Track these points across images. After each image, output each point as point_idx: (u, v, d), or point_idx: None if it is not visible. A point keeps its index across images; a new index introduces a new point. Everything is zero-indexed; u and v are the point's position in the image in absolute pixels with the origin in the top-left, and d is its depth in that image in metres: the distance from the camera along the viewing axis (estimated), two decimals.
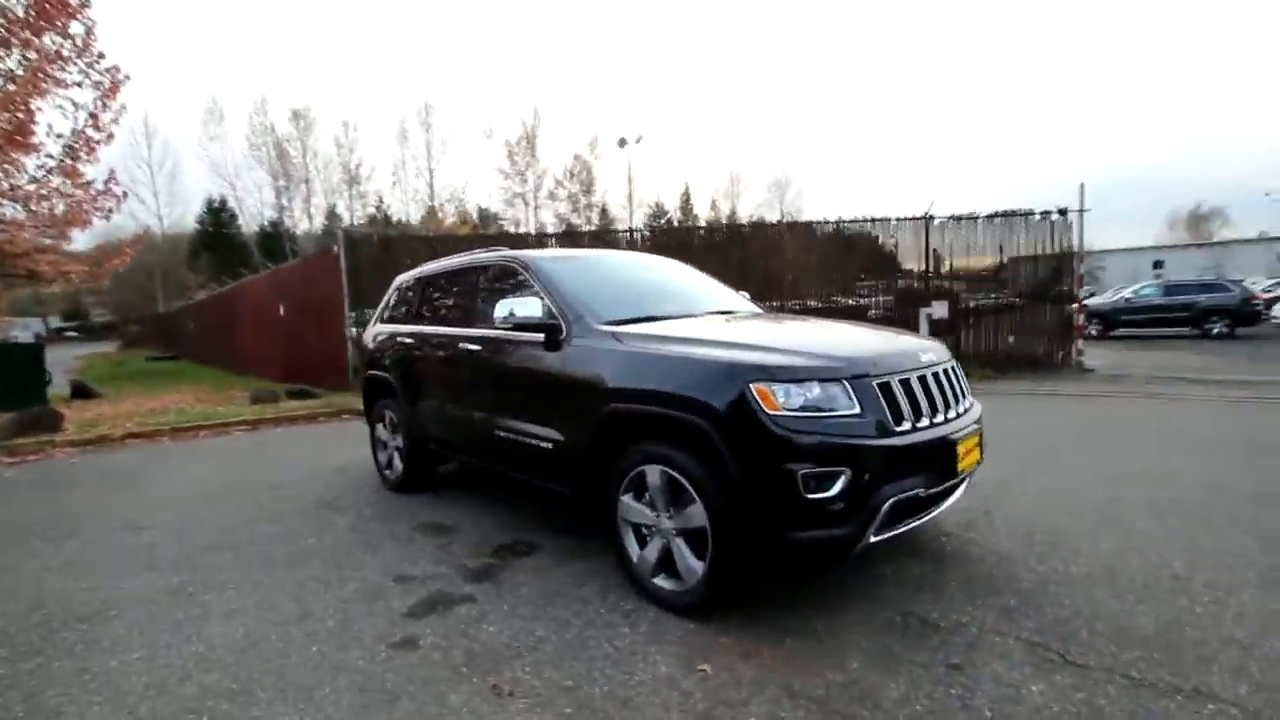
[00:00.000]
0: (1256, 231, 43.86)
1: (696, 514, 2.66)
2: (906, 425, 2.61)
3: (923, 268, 12.06)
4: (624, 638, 2.63)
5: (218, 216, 43.17)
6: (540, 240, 13.97)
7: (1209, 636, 2.44)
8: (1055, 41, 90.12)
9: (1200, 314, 16.79)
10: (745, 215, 40.24)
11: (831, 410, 2.50)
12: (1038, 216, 11.71)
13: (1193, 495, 4.07)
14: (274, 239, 37.22)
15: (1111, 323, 18.29)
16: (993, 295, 12.03)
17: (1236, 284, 17.50)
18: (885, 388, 2.61)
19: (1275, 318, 18.01)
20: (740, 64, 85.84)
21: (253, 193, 39.72)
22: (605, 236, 15.50)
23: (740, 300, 4.37)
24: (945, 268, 12.13)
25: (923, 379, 2.78)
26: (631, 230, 15.22)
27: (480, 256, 4.31)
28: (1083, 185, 11.44)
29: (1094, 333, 17.45)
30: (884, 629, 2.63)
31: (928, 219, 11.88)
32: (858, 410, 2.52)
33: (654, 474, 2.81)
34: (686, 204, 46.76)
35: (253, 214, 40.61)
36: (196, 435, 8.00)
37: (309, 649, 2.64)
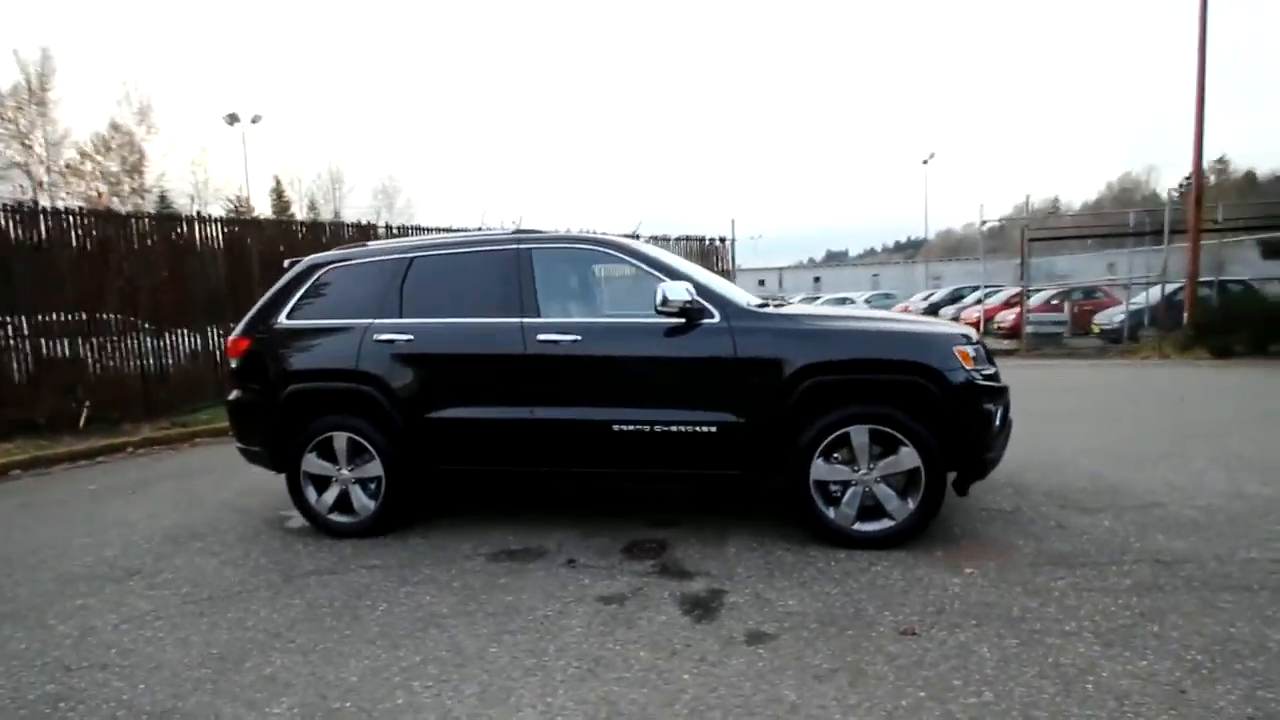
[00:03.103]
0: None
1: (907, 458, 3.22)
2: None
3: None
4: (888, 574, 3.01)
5: None
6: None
7: (1137, 485, 4.22)
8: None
9: None
10: (351, 218, 36.99)
11: (987, 365, 3.42)
12: (708, 241, 14.80)
13: None
14: None
15: None
16: None
17: (781, 299, 25.04)
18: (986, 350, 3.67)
19: None
20: (346, 59, 77.62)
21: None
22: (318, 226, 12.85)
23: None
24: None
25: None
26: (309, 222, 12.96)
27: (527, 236, 3.76)
28: (733, 220, 14.96)
29: None
30: (996, 518, 3.65)
31: (635, 236, 13.75)
32: (988, 364, 3.50)
33: (860, 433, 3.24)
34: (280, 199, 40.48)
35: None
36: None
37: (680, 676, 2.26)
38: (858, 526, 3.31)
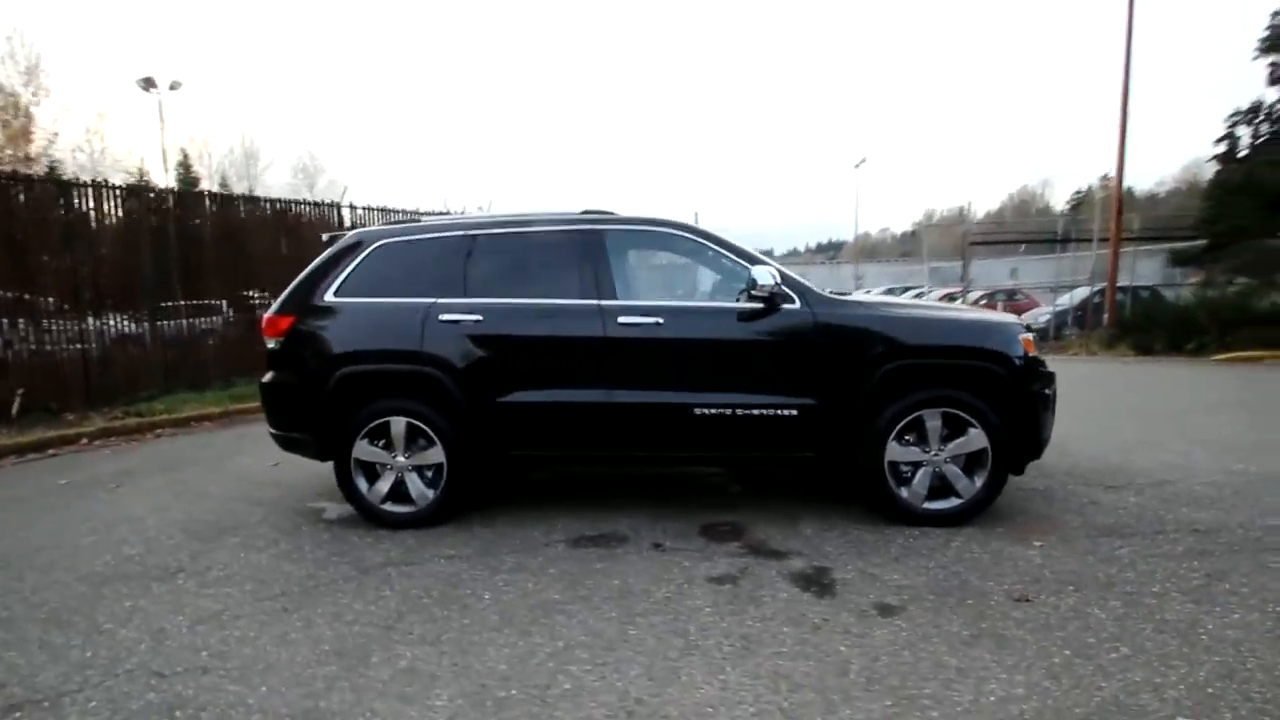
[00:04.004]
0: None
1: (976, 439, 3.41)
2: None
3: None
4: (969, 549, 3.18)
5: None
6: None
7: (1139, 466, 4.61)
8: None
9: None
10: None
11: (1040, 350, 3.66)
12: None
13: None
14: None
15: None
16: None
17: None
18: None
19: None
20: (269, 28, 70.96)
21: None
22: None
23: None
24: None
25: None
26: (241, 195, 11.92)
27: (598, 217, 3.69)
28: (696, 213, 15.12)
29: None
30: (1034, 497, 3.89)
31: None
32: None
33: (933, 416, 3.41)
34: (187, 175, 37.36)
35: None
36: None
37: (836, 648, 2.33)
38: (927, 505, 3.48)
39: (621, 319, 3.49)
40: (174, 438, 6.45)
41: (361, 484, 3.64)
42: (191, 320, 8.62)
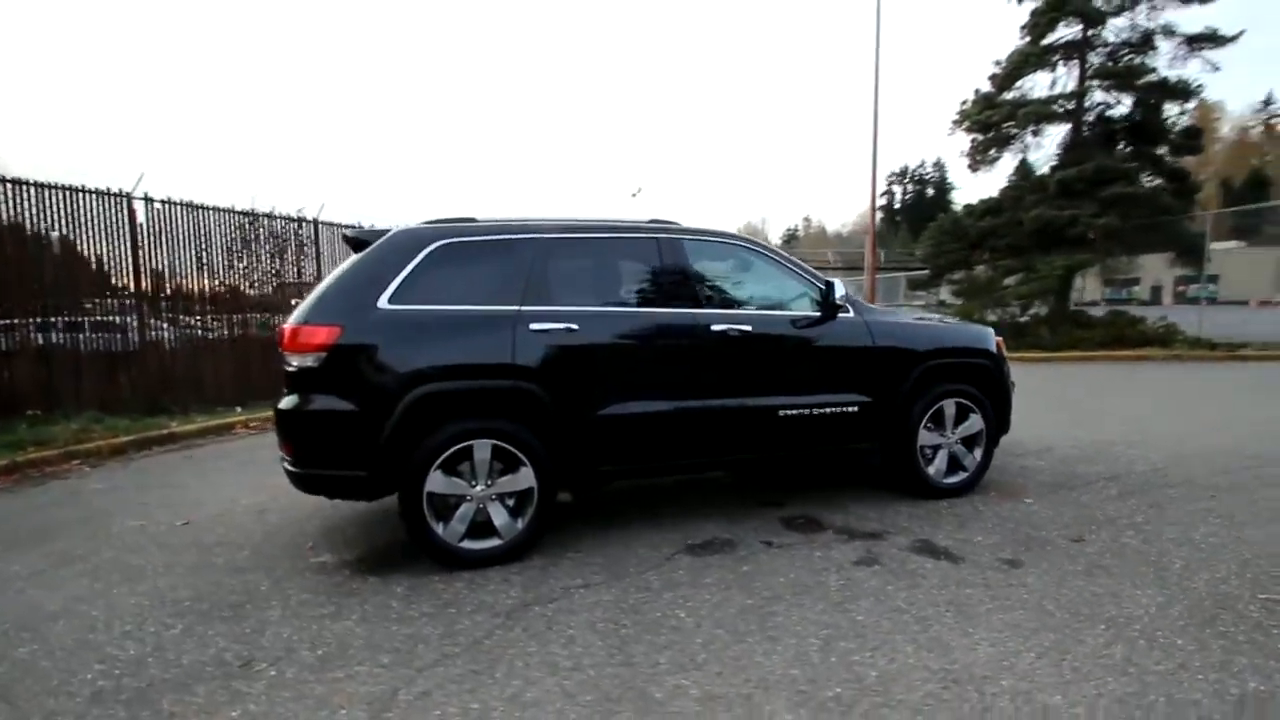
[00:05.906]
0: None
1: (975, 422, 4.17)
2: None
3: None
4: (996, 511, 3.89)
5: None
6: None
7: (1015, 439, 5.85)
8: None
9: None
10: None
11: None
12: None
13: None
14: None
15: None
16: None
17: None
18: None
19: None
20: None
21: None
22: None
23: None
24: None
25: None
26: None
27: (672, 227, 3.67)
28: None
29: None
30: (1022, 472, 4.85)
31: None
32: None
33: (950, 405, 4.09)
34: None
35: None
36: None
37: (1020, 595, 2.75)
38: (945, 480, 4.14)
39: (714, 326, 3.56)
40: None
41: (443, 523, 3.11)
42: None
